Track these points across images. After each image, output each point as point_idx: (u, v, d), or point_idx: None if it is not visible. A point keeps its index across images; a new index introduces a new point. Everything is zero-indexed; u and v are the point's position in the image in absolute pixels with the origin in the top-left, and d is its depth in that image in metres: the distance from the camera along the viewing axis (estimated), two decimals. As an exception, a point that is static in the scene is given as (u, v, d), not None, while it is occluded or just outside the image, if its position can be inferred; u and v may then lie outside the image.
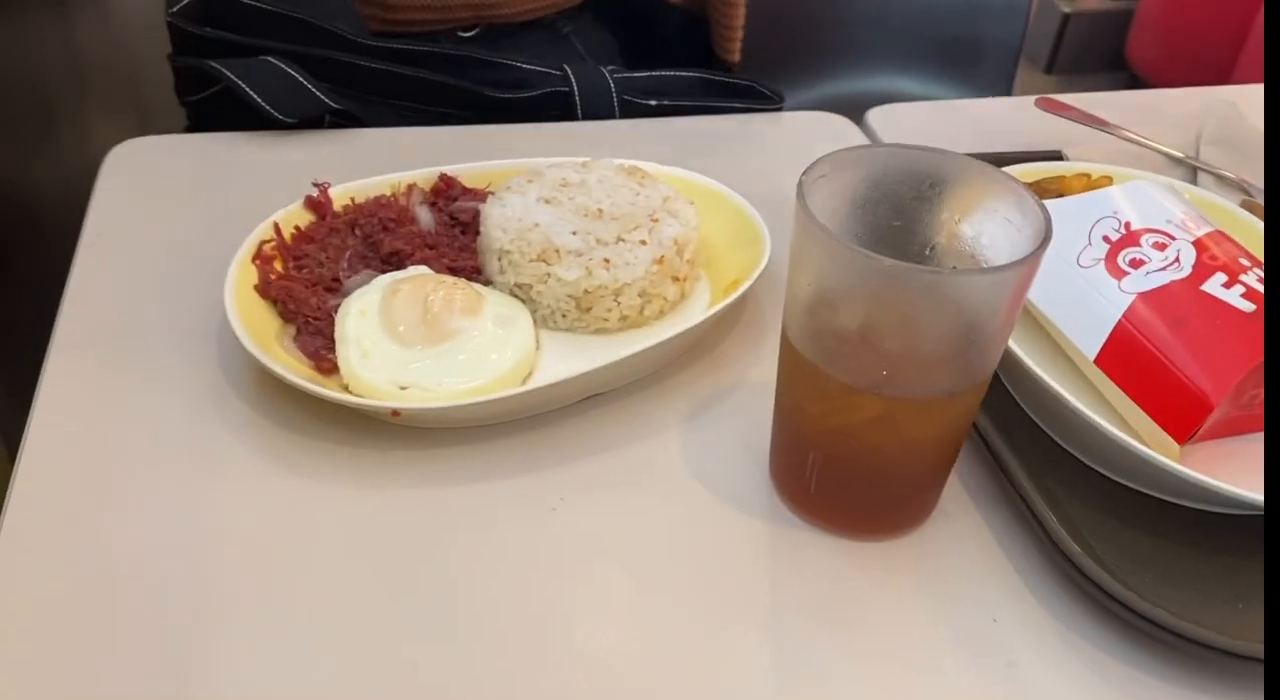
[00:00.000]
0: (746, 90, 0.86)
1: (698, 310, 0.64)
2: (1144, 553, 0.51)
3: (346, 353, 0.56)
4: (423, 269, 0.61)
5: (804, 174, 0.47)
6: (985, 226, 0.49)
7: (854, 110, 0.89)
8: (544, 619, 0.48)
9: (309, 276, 0.61)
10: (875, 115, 0.88)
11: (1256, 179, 0.77)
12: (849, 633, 0.48)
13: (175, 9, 0.79)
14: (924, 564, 0.51)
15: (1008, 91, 1.61)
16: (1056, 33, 2.80)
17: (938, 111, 0.91)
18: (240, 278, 0.59)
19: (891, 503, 0.52)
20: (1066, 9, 2.72)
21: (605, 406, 0.59)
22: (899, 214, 0.51)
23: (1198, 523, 0.53)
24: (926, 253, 0.51)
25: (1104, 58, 2.79)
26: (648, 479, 0.55)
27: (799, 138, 0.84)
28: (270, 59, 0.76)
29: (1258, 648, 0.45)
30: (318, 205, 0.65)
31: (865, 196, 0.50)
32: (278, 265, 0.61)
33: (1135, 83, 2.65)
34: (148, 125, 0.81)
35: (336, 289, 0.61)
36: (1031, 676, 0.47)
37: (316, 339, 0.58)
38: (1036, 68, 2.88)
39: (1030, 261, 0.43)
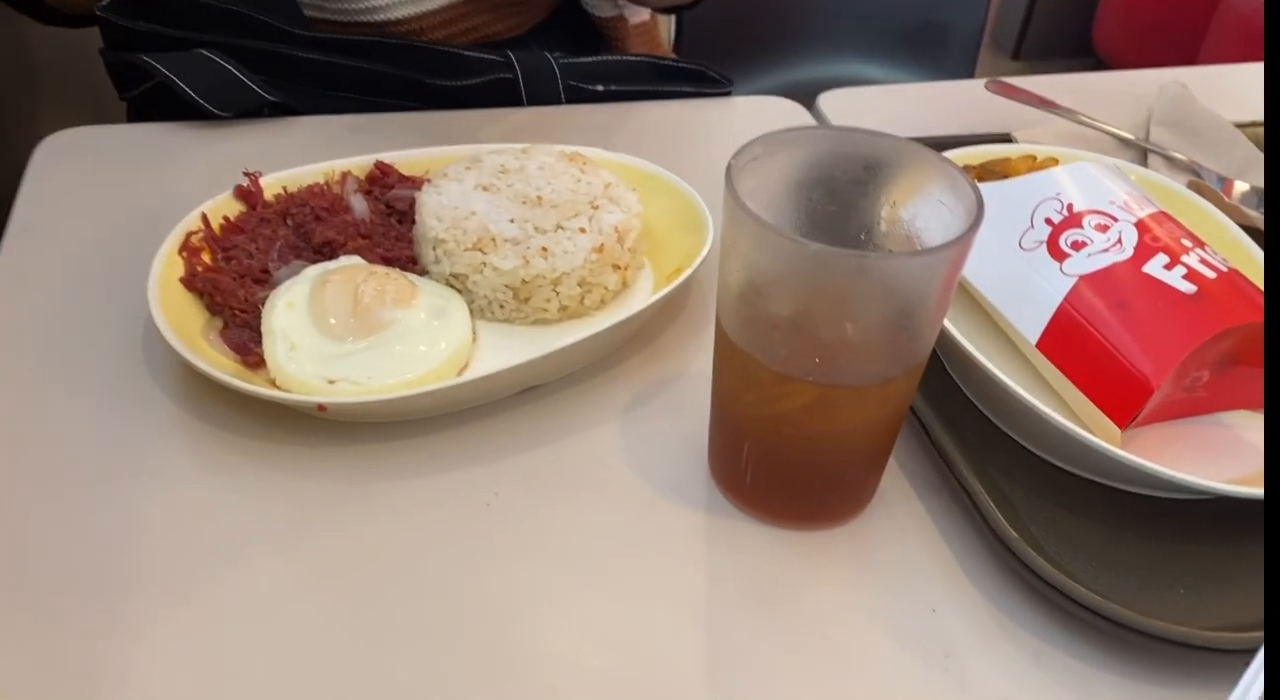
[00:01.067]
0: (695, 75, 0.84)
1: (640, 299, 0.63)
2: (1086, 539, 0.51)
3: (273, 347, 0.54)
4: (355, 259, 0.60)
5: (733, 157, 0.45)
6: (920, 209, 0.48)
7: (818, 96, 0.88)
8: (477, 615, 0.47)
9: (237, 268, 0.59)
10: (827, 99, 0.86)
11: (1206, 160, 0.76)
12: (785, 623, 0.48)
13: (105, 2, 0.77)
14: (863, 553, 0.51)
15: (971, 76, 1.60)
16: (1023, 18, 2.80)
17: (890, 95, 0.90)
18: (165, 270, 0.57)
19: (828, 491, 0.51)
20: (1033, -7, 2.73)
21: (544, 399, 0.58)
22: (834, 198, 0.50)
23: (1141, 508, 0.52)
24: (862, 237, 0.50)
25: (1071, 43, 2.79)
26: (585, 472, 0.54)
27: (748, 122, 0.82)
28: (204, 52, 0.74)
29: (1198, 635, 0.45)
30: (248, 195, 0.63)
31: (800, 180, 0.49)
32: (206, 257, 0.60)
33: (1101, 67, 2.66)
34: (101, 118, 0.79)
35: (266, 281, 0.59)
36: (969, 666, 0.46)
37: (243, 332, 0.56)
38: (1004, 53, 2.88)
39: (959, 244, 0.42)
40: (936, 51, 1.57)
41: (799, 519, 0.52)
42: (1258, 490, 0.50)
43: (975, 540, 0.51)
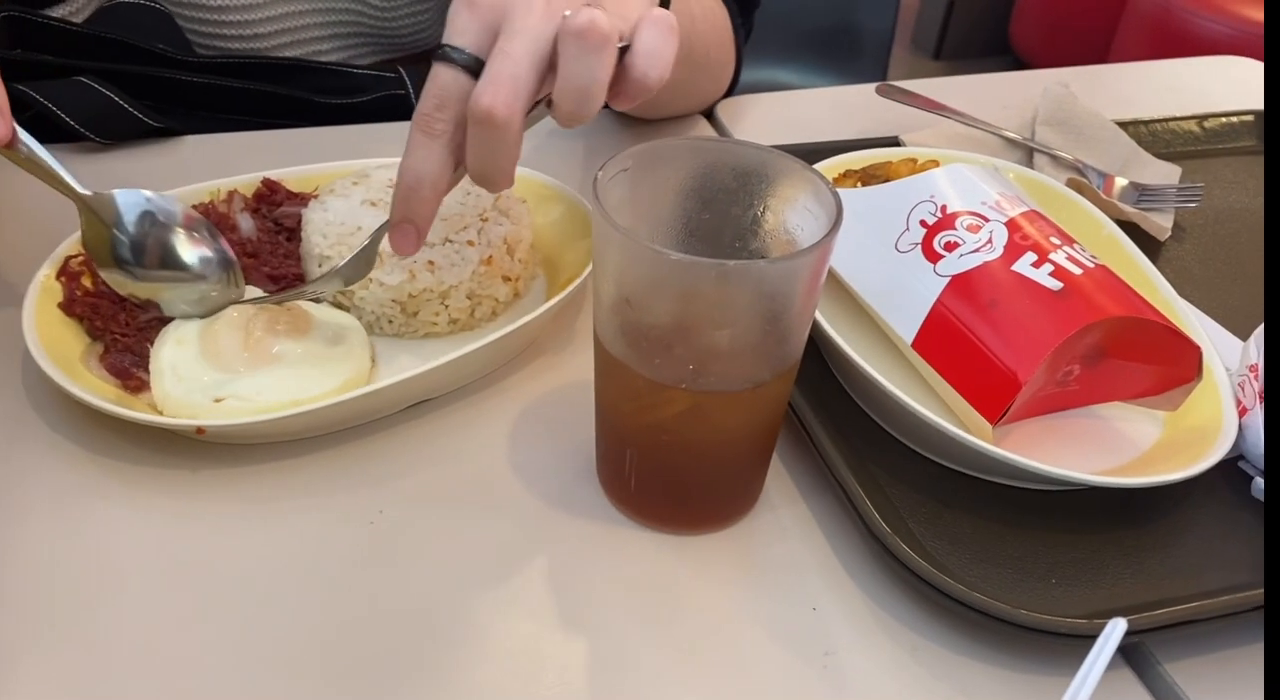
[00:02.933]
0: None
1: (533, 310, 0.63)
2: (965, 533, 0.52)
3: (161, 384, 0.54)
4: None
5: (600, 170, 0.46)
6: (789, 216, 0.49)
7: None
8: (363, 631, 0.47)
9: (119, 292, 0.59)
10: (725, 107, 0.88)
11: (1089, 157, 0.78)
12: (670, 628, 0.48)
13: None
14: (746, 555, 0.51)
15: (884, 78, 1.62)
16: (943, 19, 2.85)
17: (787, 101, 0.92)
18: (43, 295, 0.57)
19: (711, 495, 0.52)
20: (951, -6, 2.78)
21: (432, 413, 0.58)
22: (708, 207, 0.50)
23: (1018, 501, 0.54)
24: (737, 244, 0.51)
25: (989, 43, 2.85)
26: (473, 485, 0.54)
27: (644, 132, 0.83)
28: (83, 79, 0.72)
29: (1064, 622, 0.46)
30: (130, 217, 0.62)
31: (676, 190, 0.50)
32: (86, 281, 0.59)
33: (1018, 66, 2.72)
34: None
35: (148, 304, 0.58)
36: (848, 664, 0.47)
37: (125, 356, 0.56)
38: (925, 54, 2.93)
39: (818, 250, 0.43)
40: (849, 54, 1.58)
41: (684, 524, 0.52)
42: (1128, 480, 0.52)
43: (855, 538, 0.52)
